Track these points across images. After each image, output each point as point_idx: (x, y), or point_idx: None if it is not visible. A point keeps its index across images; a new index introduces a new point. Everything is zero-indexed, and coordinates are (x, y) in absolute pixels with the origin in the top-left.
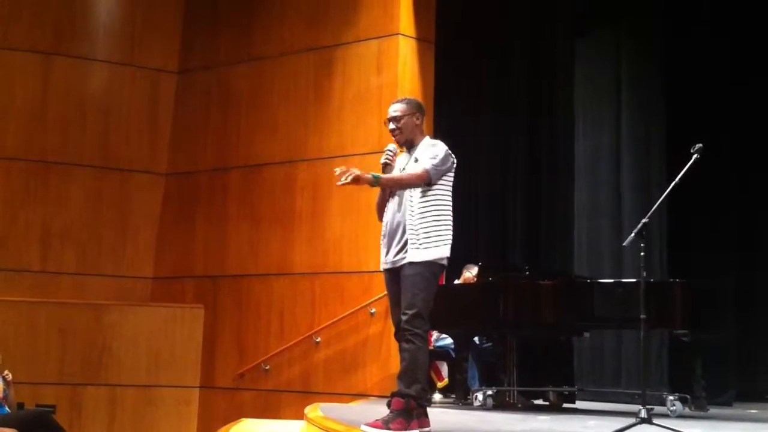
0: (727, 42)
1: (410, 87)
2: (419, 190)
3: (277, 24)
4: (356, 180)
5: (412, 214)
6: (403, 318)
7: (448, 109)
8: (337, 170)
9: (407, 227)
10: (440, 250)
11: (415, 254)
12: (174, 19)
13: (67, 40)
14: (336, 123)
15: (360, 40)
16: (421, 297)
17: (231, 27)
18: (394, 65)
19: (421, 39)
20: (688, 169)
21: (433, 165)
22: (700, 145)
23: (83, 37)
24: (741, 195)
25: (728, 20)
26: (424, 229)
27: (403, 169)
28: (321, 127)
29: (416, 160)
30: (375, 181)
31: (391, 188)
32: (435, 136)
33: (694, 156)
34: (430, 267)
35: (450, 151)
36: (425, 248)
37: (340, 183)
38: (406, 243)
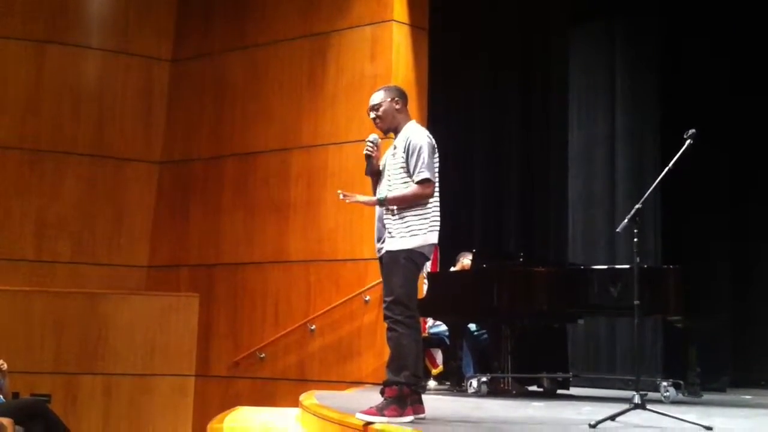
0: (723, 32)
1: (404, 73)
2: (398, 180)
3: (271, 11)
4: (357, 202)
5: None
6: (383, 306)
7: (442, 96)
8: (340, 194)
9: (385, 217)
10: (418, 239)
11: (391, 243)
12: (167, 6)
13: (61, 29)
14: (330, 110)
15: (353, 27)
16: (398, 284)
17: (224, 15)
18: (388, 52)
19: (414, 26)
20: (681, 154)
21: (428, 170)
22: (694, 130)
23: (77, 25)
24: (735, 182)
25: (725, 11)
26: (400, 217)
27: (393, 155)
28: (315, 115)
29: (395, 148)
30: (381, 202)
31: (396, 205)
32: (429, 124)
33: (688, 141)
34: (408, 255)
35: (430, 137)
36: (401, 237)
37: (343, 199)
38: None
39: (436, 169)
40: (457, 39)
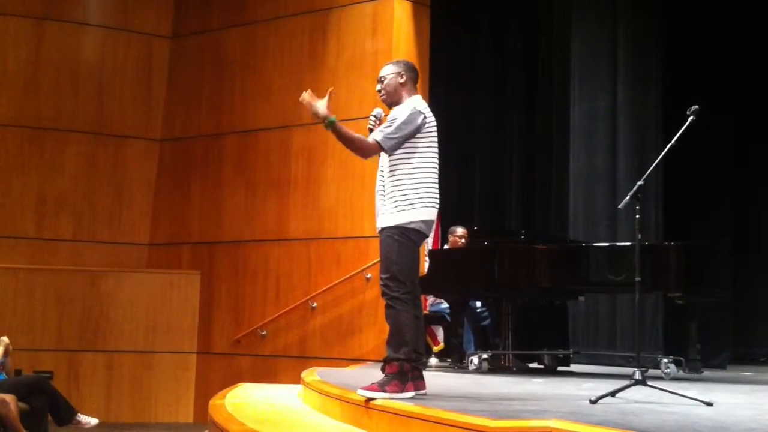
0: (726, 8)
1: (405, 49)
2: (395, 152)
3: None
4: (312, 109)
5: (383, 178)
6: (381, 284)
7: (444, 72)
8: (305, 94)
9: (378, 192)
10: (405, 214)
11: (383, 220)
12: None
13: (60, 5)
14: (331, 87)
15: (355, 3)
16: (393, 261)
17: None
18: (389, 28)
19: (416, 1)
20: (684, 130)
21: (384, 135)
22: (696, 107)
23: (76, 1)
24: (736, 159)
25: None
26: (390, 194)
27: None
28: (316, 92)
29: None
30: (326, 124)
31: (340, 142)
32: (430, 99)
33: (690, 118)
34: (402, 231)
35: (420, 112)
36: (391, 213)
37: (301, 100)
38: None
39: (425, 144)
40: (459, 15)
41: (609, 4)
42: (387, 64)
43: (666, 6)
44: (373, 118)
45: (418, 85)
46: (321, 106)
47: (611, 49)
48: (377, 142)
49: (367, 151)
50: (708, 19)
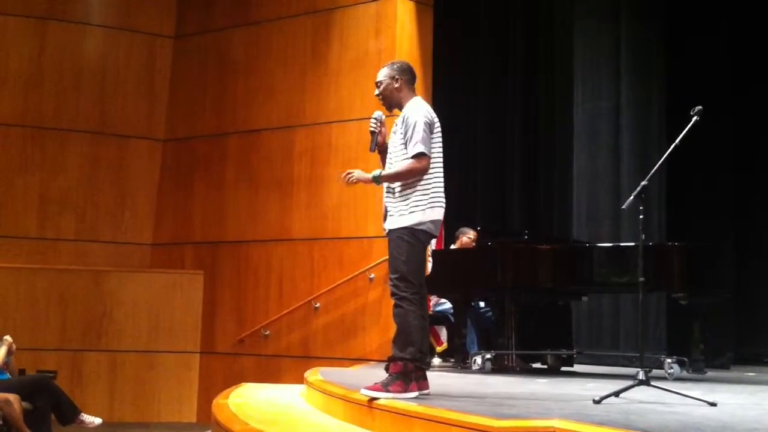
0: (728, 7)
1: (408, 50)
2: (399, 156)
3: None
4: (358, 181)
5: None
6: (390, 284)
7: (446, 72)
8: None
9: (386, 194)
10: (416, 215)
11: (391, 221)
12: None
13: (62, 5)
14: (334, 87)
15: (358, 3)
16: (402, 261)
17: None
18: (392, 28)
19: (419, 1)
20: (687, 131)
21: (420, 149)
22: (700, 107)
23: (78, 1)
24: (740, 158)
25: None
26: (400, 196)
27: (395, 132)
28: (319, 92)
29: (396, 125)
30: (376, 179)
31: (391, 182)
32: (432, 100)
33: (694, 118)
34: (410, 232)
35: (427, 115)
36: (400, 215)
37: (343, 180)
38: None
39: (436, 146)
40: (461, 15)
41: (610, 5)
42: (383, 68)
43: (668, 4)
44: (375, 121)
45: (419, 84)
46: (359, 174)
47: (613, 49)
48: (421, 152)
49: (424, 167)
50: (711, 17)
